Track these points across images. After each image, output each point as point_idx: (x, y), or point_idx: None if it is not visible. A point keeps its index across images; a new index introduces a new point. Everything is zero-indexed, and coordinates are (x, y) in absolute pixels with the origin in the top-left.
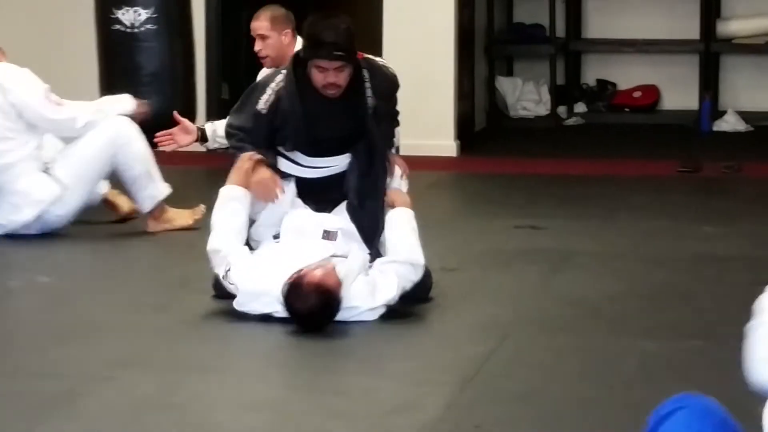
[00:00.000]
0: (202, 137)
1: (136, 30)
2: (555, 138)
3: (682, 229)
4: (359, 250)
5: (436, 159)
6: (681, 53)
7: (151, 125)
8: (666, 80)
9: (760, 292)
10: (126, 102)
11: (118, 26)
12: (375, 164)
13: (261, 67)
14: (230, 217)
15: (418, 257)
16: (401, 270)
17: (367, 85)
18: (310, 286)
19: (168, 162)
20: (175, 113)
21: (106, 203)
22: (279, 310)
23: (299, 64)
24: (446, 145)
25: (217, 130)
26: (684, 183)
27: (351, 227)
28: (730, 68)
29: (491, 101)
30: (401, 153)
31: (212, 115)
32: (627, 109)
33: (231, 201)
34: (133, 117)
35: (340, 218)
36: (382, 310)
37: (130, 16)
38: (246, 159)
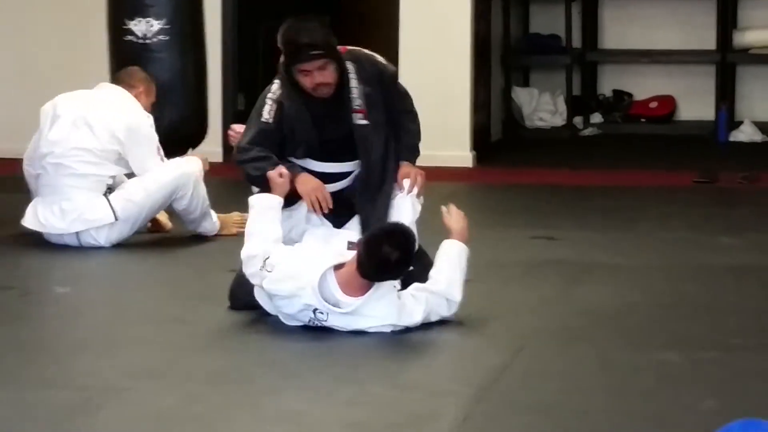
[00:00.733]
0: None
1: (148, 41)
2: (571, 149)
3: (699, 239)
4: None
5: (452, 170)
6: (697, 64)
7: (163, 136)
8: (682, 91)
9: None
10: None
11: (130, 37)
12: (373, 173)
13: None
14: (269, 225)
15: (456, 295)
16: (434, 301)
17: (353, 75)
18: (388, 230)
19: None
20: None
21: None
22: (307, 294)
23: (288, 72)
24: (462, 155)
25: None
26: (700, 194)
27: None
28: (746, 78)
29: (507, 112)
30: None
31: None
32: (643, 120)
33: (269, 210)
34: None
35: (357, 233)
36: (400, 328)
37: (143, 27)
38: (278, 174)
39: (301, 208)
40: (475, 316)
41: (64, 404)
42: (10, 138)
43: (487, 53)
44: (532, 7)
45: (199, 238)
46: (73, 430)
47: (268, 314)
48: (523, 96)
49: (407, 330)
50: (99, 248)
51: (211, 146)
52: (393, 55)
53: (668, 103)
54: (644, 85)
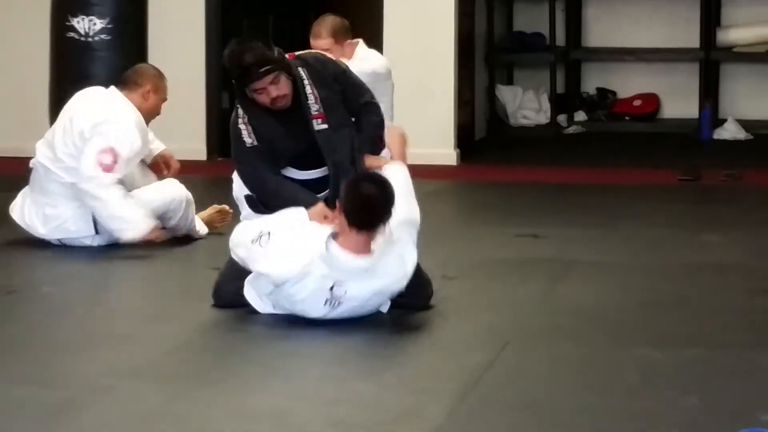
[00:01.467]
0: None
1: (90, 39)
2: (555, 146)
3: (682, 237)
4: None
5: (436, 168)
6: (681, 62)
7: None
8: (666, 89)
9: (760, 300)
10: (140, 229)
11: (72, 34)
12: (343, 173)
13: None
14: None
15: (416, 216)
16: (406, 231)
17: (306, 81)
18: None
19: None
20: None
21: None
22: (318, 266)
23: (244, 93)
24: (446, 153)
25: None
26: (684, 191)
27: None
28: (730, 76)
29: (491, 110)
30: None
31: (213, 123)
32: (627, 118)
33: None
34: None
35: None
36: (388, 303)
37: (85, 25)
38: (322, 217)
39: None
40: (458, 314)
41: (47, 403)
42: None
43: (471, 51)
44: (516, 5)
45: (183, 237)
46: (56, 428)
47: (252, 312)
48: (507, 94)
49: (390, 326)
50: (84, 247)
51: (195, 144)
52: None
53: (652, 101)
54: (628, 83)
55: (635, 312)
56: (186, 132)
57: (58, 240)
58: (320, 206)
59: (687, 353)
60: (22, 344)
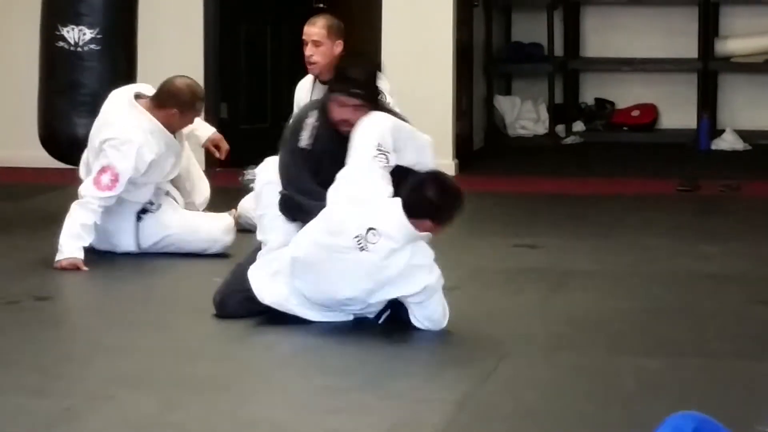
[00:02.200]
0: None
1: (79, 49)
2: (553, 157)
3: (680, 247)
4: None
5: None
6: (679, 72)
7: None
8: (664, 99)
9: (757, 309)
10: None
11: (62, 43)
12: None
13: (263, 87)
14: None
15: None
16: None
17: None
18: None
19: None
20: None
21: None
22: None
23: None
24: (444, 163)
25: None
26: (682, 202)
27: None
28: (728, 87)
29: (490, 120)
30: None
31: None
32: (625, 128)
33: None
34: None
35: None
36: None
37: (75, 35)
38: None
39: None
40: (457, 323)
41: (45, 412)
42: None
43: (470, 61)
44: (515, 15)
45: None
46: None
47: (250, 322)
48: (505, 104)
49: (388, 335)
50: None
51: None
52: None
53: (650, 111)
54: (626, 94)
55: (633, 321)
56: None
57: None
58: None
59: (685, 362)
60: (20, 354)
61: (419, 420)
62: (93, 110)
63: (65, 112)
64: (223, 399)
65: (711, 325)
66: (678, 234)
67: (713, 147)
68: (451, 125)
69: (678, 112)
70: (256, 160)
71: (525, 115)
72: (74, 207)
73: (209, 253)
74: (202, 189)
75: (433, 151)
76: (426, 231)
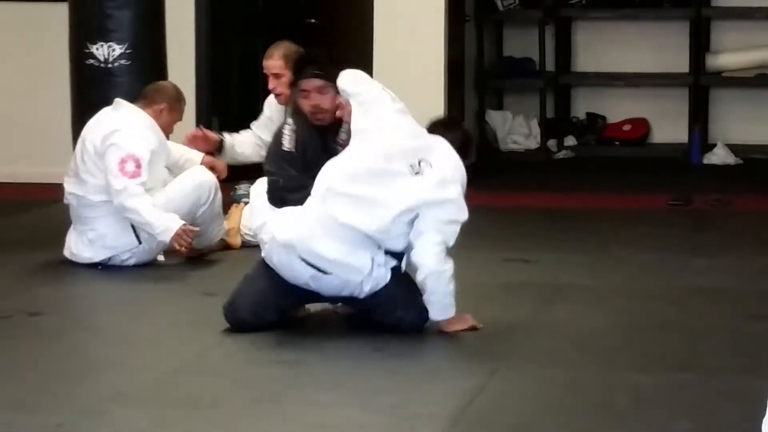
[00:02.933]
0: (219, 148)
1: (110, 65)
2: (545, 171)
3: (672, 262)
4: None
5: None
6: (671, 86)
7: None
8: (656, 113)
9: (750, 324)
10: (167, 232)
11: (92, 61)
12: None
13: (254, 102)
14: None
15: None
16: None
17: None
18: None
19: None
20: (201, 127)
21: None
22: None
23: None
24: None
25: (235, 146)
26: (674, 216)
27: None
28: (719, 101)
29: (481, 135)
30: None
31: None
32: (617, 143)
33: None
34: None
35: None
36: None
37: (104, 51)
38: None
39: None
40: (449, 338)
41: (37, 428)
42: None
43: (461, 76)
44: (506, 30)
45: (176, 262)
46: None
47: (242, 338)
48: (496, 119)
49: (380, 351)
50: (77, 272)
51: None
52: None
53: (642, 125)
54: (618, 108)
55: (625, 336)
56: None
57: (101, 263)
58: None
59: (677, 377)
60: (12, 370)
61: None
62: None
63: None
64: (214, 415)
65: (704, 339)
66: (670, 248)
67: (705, 161)
68: None
69: (669, 127)
70: (248, 174)
71: (516, 129)
72: (128, 201)
73: (204, 210)
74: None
75: None
76: None
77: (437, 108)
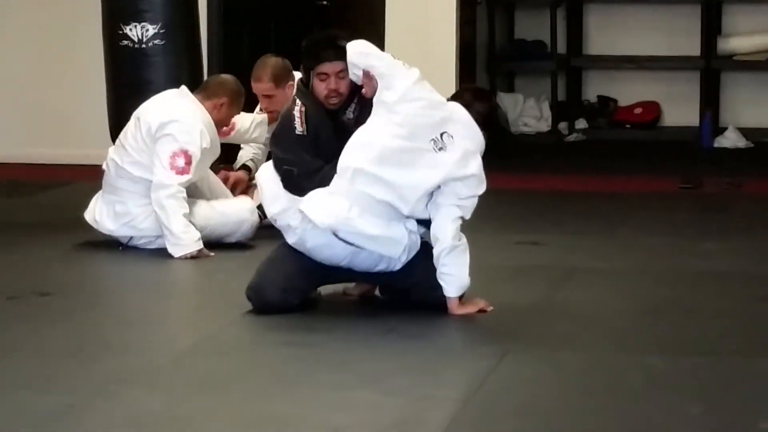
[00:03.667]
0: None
1: (143, 45)
2: (556, 154)
3: (683, 245)
4: None
5: None
6: (682, 70)
7: None
8: (667, 97)
9: (761, 307)
10: (180, 249)
11: (126, 42)
12: None
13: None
14: None
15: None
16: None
17: (356, 100)
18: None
19: None
20: (224, 173)
21: None
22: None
23: (306, 84)
24: None
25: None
26: (685, 199)
27: None
28: (730, 85)
29: None
30: None
31: None
32: (628, 126)
33: None
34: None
35: None
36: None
37: (138, 32)
38: None
39: None
40: (460, 321)
41: (48, 408)
42: (7, 146)
43: (473, 59)
44: (517, 13)
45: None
46: None
47: (256, 319)
48: (508, 102)
49: (391, 333)
50: (90, 252)
51: None
52: None
53: (653, 109)
54: (629, 91)
55: (636, 319)
56: None
57: (122, 244)
58: None
59: (689, 360)
60: (23, 349)
61: (422, 417)
62: None
63: (134, 109)
64: (227, 396)
65: (715, 322)
66: (681, 232)
67: (716, 145)
68: None
69: (681, 110)
70: None
71: (528, 112)
72: (165, 200)
73: (232, 240)
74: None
75: None
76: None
77: (448, 91)
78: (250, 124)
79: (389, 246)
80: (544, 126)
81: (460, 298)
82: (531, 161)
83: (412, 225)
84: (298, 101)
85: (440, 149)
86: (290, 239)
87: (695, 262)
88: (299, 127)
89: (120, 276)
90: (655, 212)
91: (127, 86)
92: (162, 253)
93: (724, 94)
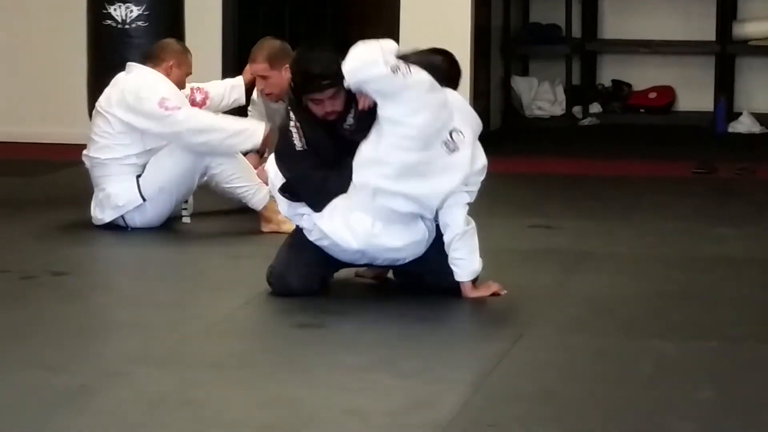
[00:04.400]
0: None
1: (126, 26)
2: (570, 138)
3: (696, 230)
4: None
5: None
6: (696, 54)
7: None
8: (681, 81)
9: None
10: (239, 86)
11: (109, 21)
12: None
13: None
14: None
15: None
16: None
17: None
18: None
19: None
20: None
21: (262, 217)
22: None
23: (299, 100)
24: None
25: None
26: (699, 184)
27: None
28: (745, 70)
29: (507, 101)
30: None
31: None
32: (642, 110)
33: None
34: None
35: None
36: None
37: (122, 12)
38: None
39: None
40: (472, 304)
41: (61, 388)
42: None
43: (487, 42)
44: None
45: (201, 224)
46: (69, 413)
47: (268, 301)
48: (522, 85)
49: (404, 316)
50: (102, 233)
51: None
52: None
53: (667, 93)
54: (643, 76)
55: (649, 304)
56: None
57: (123, 222)
58: None
59: (701, 345)
60: (36, 329)
61: (435, 400)
62: None
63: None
64: (240, 377)
65: (727, 308)
66: (694, 217)
67: (730, 130)
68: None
69: (695, 95)
70: None
71: (542, 96)
72: (190, 129)
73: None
74: None
75: None
76: None
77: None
78: (224, 88)
79: (414, 249)
80: (558, 110)
81: (474, 281)
82: (545, 145)
83: (428, 216)
84: (292, 116)
85: (453, 150)
86: (306, 234)
87: (708, 247)
88: (298, 143)
89: (133, 256)
90: (669, 197)
91: (108, 66)
92: (174, 233)
93: (739, 79)
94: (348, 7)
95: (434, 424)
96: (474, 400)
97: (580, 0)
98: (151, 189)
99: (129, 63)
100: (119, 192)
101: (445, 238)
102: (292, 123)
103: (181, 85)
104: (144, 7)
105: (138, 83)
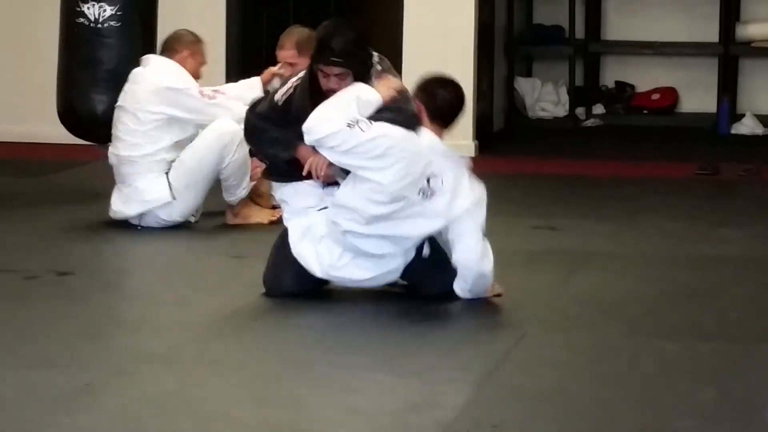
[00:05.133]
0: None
1: (99, 25)
2: (573, 139)
3: (699, 231)
4: None
5: None
6: (700, 56)
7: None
8: (684, 83)
9: None
10: (257, 88)
11: (82, 20)
12: None
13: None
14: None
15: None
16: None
17: None
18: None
19: None
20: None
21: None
22: (434, 145)
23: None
24: (464, 144)
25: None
26: (702, 185)
27: None
28: (748, 71)
29: (510, 102)
30: None
31: None
32: (645, 111)
33: None
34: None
35: None
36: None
37: (95, 11)
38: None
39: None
40: (476, 304)
41: (65, 386)
42: None
43: (491, 43)
44: None
45: (205, 224)
46: (73, 411)
47: (270, 301)
48: (525, 86)
49: (408, 315)
50: (107, 232)
51: None
52: (397, 43)
53: (670, 94)
54: (646, 77)
55: (653, 304)
56: None
57: (139, 220)
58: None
59: (703, 345)
60: (40, 329)
61: (438, 399)
62: (112, 86)
63: (84, 89)
64: (241, 377)
65: (730, 308)
66: (697, 217)
67: (733, 131)
68: (471, 106)
69: (698, 96)
70: None
71: (545, 97)
72: (226, 107)
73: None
74: None
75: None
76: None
77: (467, 74)
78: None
79: (385, 277)
80: (562, 111)
81: None
82: (548, 146)
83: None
84: (293, 80)
85: (431, 195)
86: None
87: (711, 247)
88: (279, 95)
89: (137, 255)
90: (672, 198)
91: (79, 64)
92: (178, 232)
93: (742, 80)
94: (351, 9)
95: (437, 424)
96: (477, 399)
97: (584, 1)
98: (180, 185)
99: (144, 56)
100: (148, 188)
101: (457, 268)
102: (293, 80)
103: (196, 75)
104: (117, 7)
105: (168, 75)
